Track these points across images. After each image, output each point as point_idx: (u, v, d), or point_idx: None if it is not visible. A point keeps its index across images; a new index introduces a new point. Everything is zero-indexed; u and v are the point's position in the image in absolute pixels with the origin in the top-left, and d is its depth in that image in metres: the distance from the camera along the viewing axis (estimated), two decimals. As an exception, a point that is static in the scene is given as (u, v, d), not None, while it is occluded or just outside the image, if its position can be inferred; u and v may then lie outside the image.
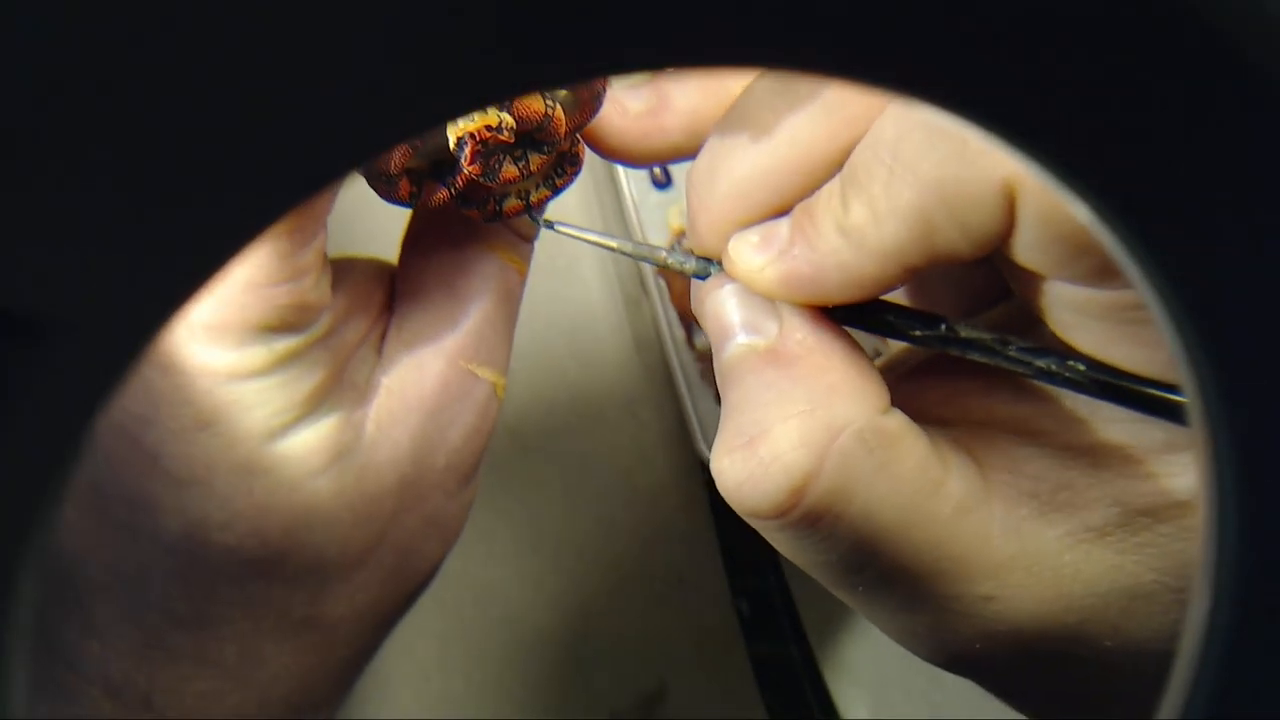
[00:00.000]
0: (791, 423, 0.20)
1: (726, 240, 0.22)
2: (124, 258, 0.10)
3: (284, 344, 0.22)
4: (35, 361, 0.10)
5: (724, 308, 0.22)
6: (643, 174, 0.41)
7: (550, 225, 0.25)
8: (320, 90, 0.10)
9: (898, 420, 0.20)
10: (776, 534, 0.20)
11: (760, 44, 0.10)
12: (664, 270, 0.41)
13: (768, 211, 0.21)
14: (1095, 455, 0.20)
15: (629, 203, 0.41)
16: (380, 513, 0.24)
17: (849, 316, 0.21)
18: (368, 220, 0.31)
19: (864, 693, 0.41)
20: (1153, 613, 0.19)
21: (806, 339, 0.21)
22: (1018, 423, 0.21)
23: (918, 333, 0.21)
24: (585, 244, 0.25)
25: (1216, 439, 0.11)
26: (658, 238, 0.41)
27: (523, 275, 0.26)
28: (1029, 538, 0.20)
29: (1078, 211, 0.11)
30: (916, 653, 0.22)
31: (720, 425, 0.21)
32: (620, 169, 0.41)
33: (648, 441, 0.41)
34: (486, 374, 0.25)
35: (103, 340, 0.10)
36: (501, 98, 0.10)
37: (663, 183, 0.42)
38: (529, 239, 0.27)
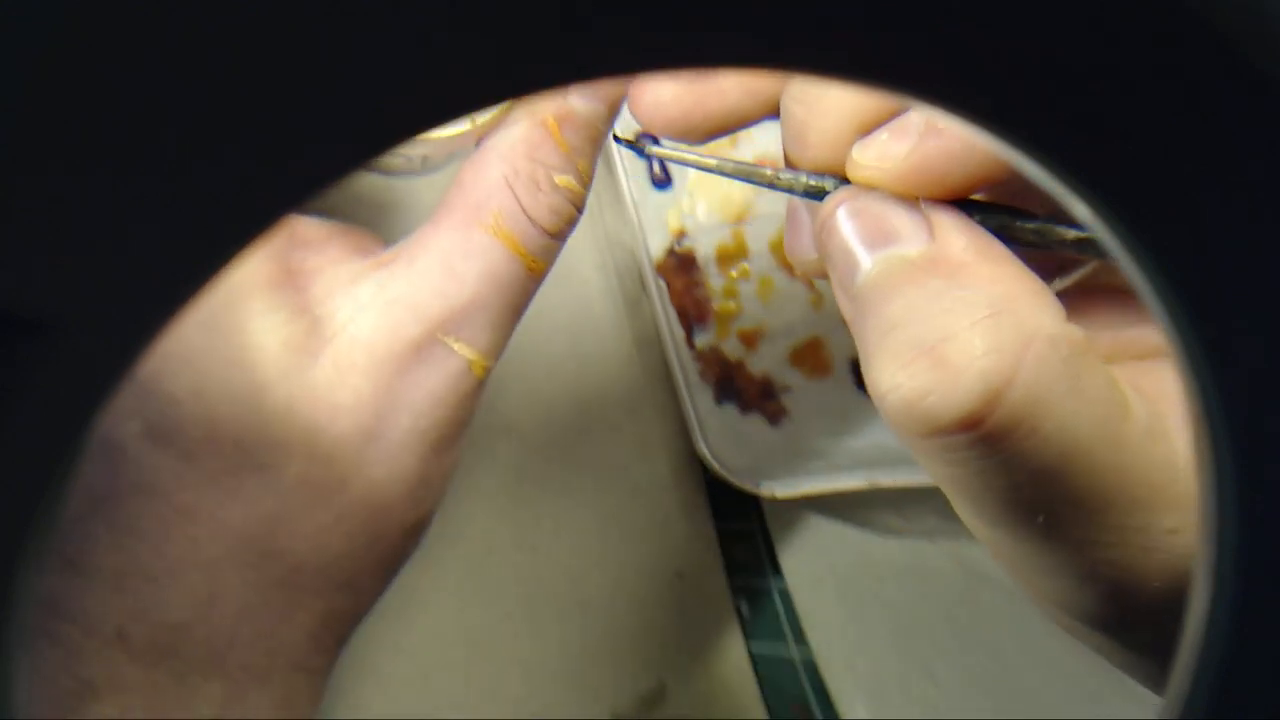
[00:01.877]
0: (979, 327, 0.18)
1: (845, 149, 0.20)
2: (124, 258, 0.10)
3: None
4: (35, 361, 0.10)
5: (857, 220, 0.20)
6: (643, 174, 0.41)
7: (652, 143, 0.25)
8: (320, 91, 0.10)
9: (1083, 334, 0.18)
10: (957, 454, 0.18)
11: (751, 45, 0.10)
12: (664, 269, 0.41)
13: (886, 115, 0.20)
14: None
15: (629, 203, 0.41)
16: (339, 454, 0.24)
17: (988, 218, 0.20)
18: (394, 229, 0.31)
19: (864, 693, 0.41)
20: None
21: (970, 244, 0.19)
22: None
23: (1071, 235, 0.19)
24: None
25: (1216, 438, 0.11)
26: (658, 238, 0.41)
27: (533, 271, 0.26)
28: None
29: (1077, 211, 0.11)
30: (1086, 613, 0.20)
31: (874, 347, 0.19)
32: (620, 169, 0.41)
33: (648, 441, 0.41)
34: (463, 350, 0.25)
35: (103, 340, 0.10)
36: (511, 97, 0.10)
37: (663, 182, 0.42)
38: (556, 236, 0.26)
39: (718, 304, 0.42)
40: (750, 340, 0.42)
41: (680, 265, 0.41)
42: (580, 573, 0.40)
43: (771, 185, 0.22)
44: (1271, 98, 0.10)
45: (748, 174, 0.23)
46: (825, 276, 0.22)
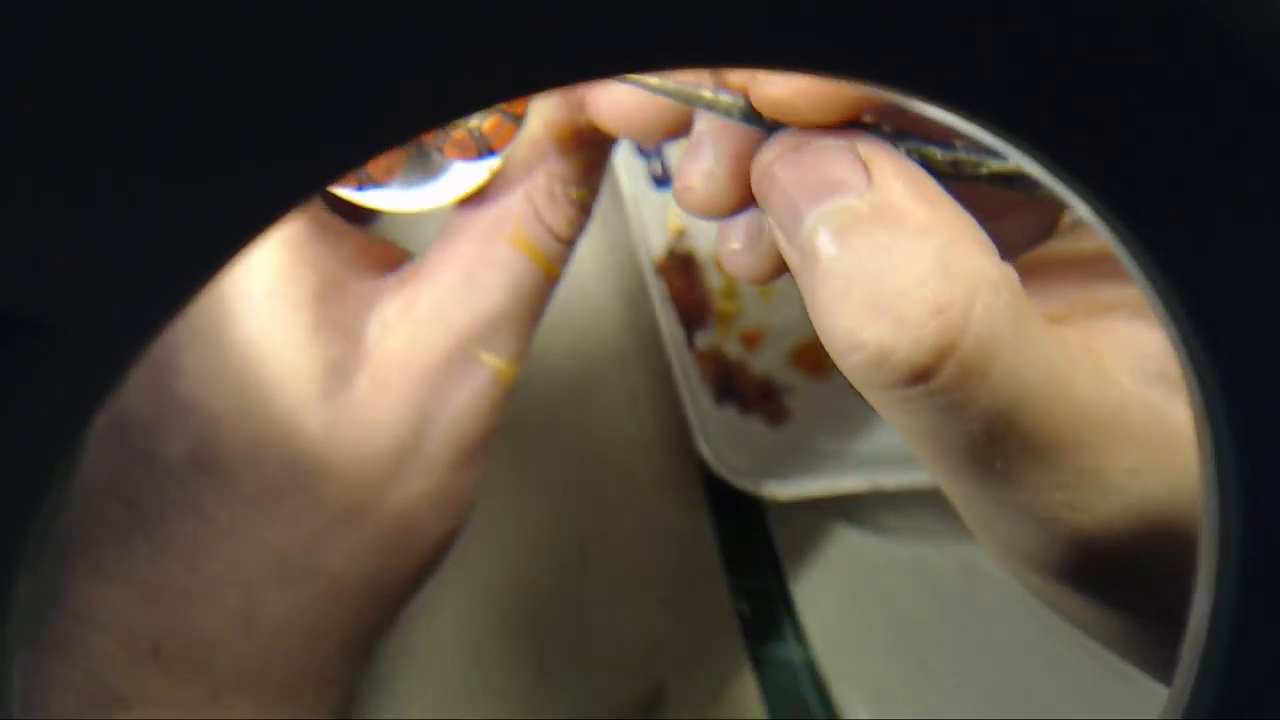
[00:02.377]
0: (929, 279, 0.18)
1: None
2: (124, 258, 0.10)
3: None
4: (35, 361, 0.10)
5: (800, 169, 0.20)
6: (643, 174, 0.41)
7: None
8: (320, 91, 0.10)
9: (1014, 271, 0.19)
10: (914, 404, 0.19)
11: (760, 44, 0.10)
12: (664, 269, 0.41)
13: None
14: None
15: (629, 202, 0.41)
16: (377, 471, 0.24)
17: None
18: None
19: (864, 693, 0.41)
20: None
21: (907, 188, 0.19)
22: (1129, 304, 0.20)
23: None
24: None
25: (1217, 438, 0.11)
26: (658, 238, 0.41)
27: (550, 275, 0.27)
28: (1165, 415, 0.19)
29: (1077, 210, 0.11)
30: (1046, 562, 0.20)
31: (827, 304, 0.19)
32: (621, 169, 0.41)
33: (648, 440, 0.41)
34: (492, 359, 0.26)
35: (103, 340, 0.10)
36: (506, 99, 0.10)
37: (663, 182, 0.42)
38: (566, 240, 0.27)
39: (718, 304, 0.42)
40: (750, 340, 0.42)
41: (680, 265, 0.41)
42: (580, 572, 0.40)
43: (710, 107, 0.22)
44: (1273, 94, 0.10)
45: (688, 96, 0.22)
46: (712, 214, 0.22)
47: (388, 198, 0.26)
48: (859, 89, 0.19)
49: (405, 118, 0.10)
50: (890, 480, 0.39)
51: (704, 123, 0.23)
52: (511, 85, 0.10)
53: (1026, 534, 0.20)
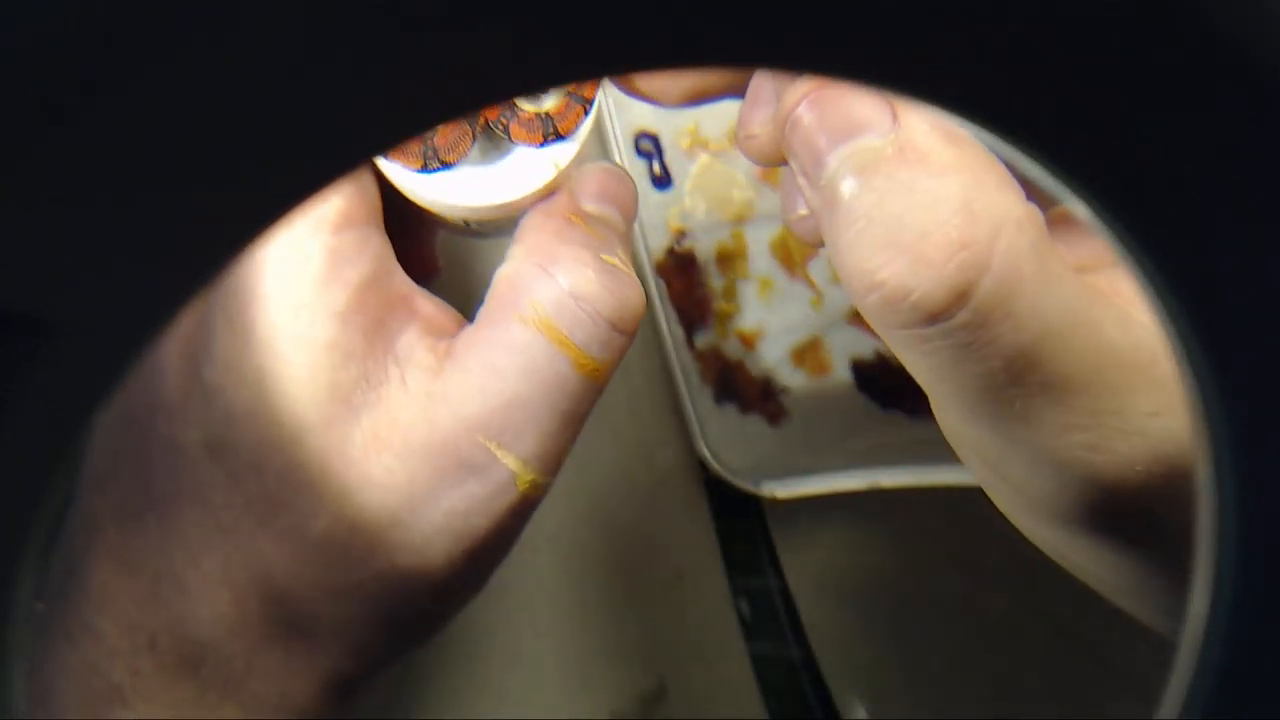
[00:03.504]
0: (953, 220, 0.18)
1: None
2: (124, 258, 0.10)
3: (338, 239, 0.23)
4: (35, 361, 0.10)
5: (824, 109, 0.20)
6: (643, 174, 0.41)
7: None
8: (320, 90, 0.10)
9: (1039, 211, 0.19)
10: (932, 344, 0.19)
11: (762, 44, 0.10)
12: (664, 269, 0.41)
13: None
14: None
15: (629, 203, 0.41)
16: (365, 527, 0.23)
17: None
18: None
19: (864, 693, 0.41)
20: None
21: (932, 129, 0.19)
22: None
23: None
24: None
25: (1217, 438, 0.11)
26: (658, 238, 0.41)
27: (585, 370, 0.24)
28: None
29: (1077, 210, 0.11)
30: (1060, 505, 0.20)
31: (848, 243, 0.19)
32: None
33: (648, 441, 0.41)
34: (506, 458, 0.24)
35: (103, 340, 0.10)
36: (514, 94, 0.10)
37: (663, 182, 0.42)
38: (620, 330, 0.24)
39: (718, 304, 0.42)
40: (750, 340, 0.42)
41: (680, 265, 0.41)
42: (580, 573, 0.40)
43: None
44: (1273, 94, 0.10)
45: None
46: (775, 161, 0.22)
47: (451, 184, 0.25)
48: None
49: (404, 118, 0.10)
50: (889, 479, 0.39)
51: (763, 74, 0.22)
52: (544, 74, 0.10)
53: (1043, 478, 0.20)
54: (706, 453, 0.39)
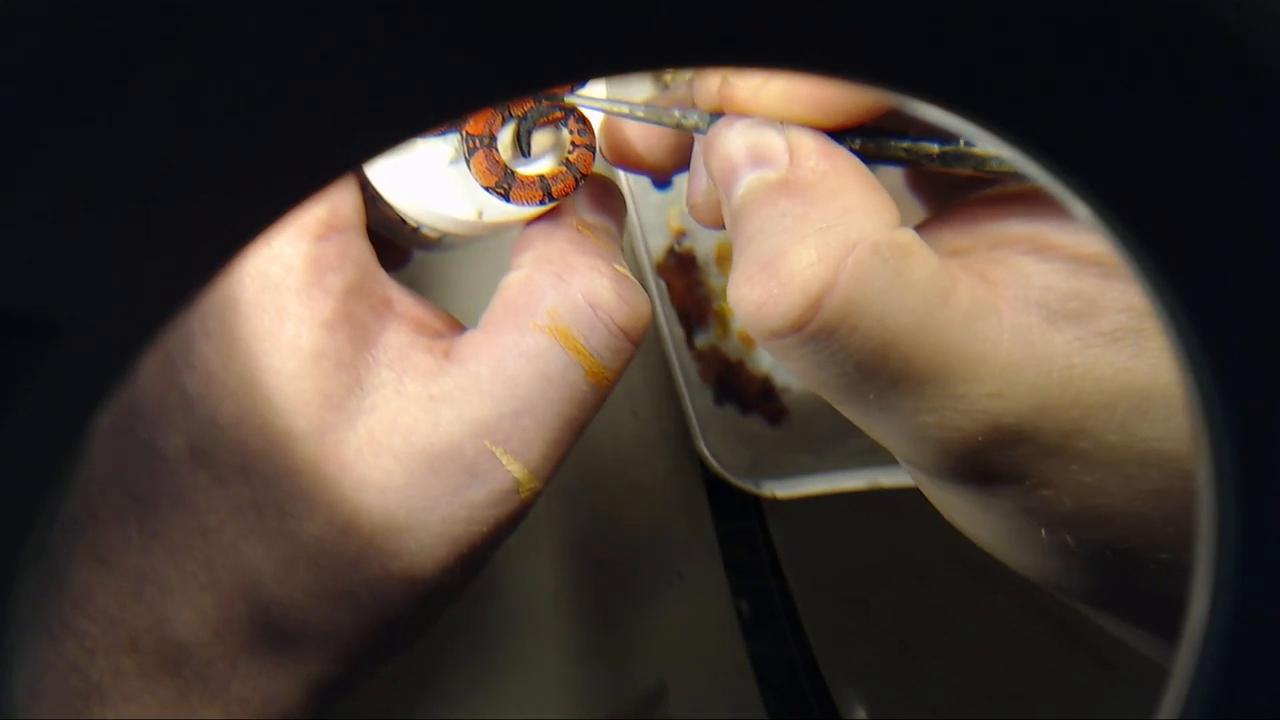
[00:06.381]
0: (808, 241, 0.20)
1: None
2: (124, 258, 0.10)
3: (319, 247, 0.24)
4: (35, 361, 0.10)
5: (732, 145, 0.22)
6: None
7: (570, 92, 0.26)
8: (320, 90, 0.10)
9: (909, 235, 0.21)
10: (794, 351, 0.21)
11: (758, 47, 0.10)
12: (664, 269, 0.41)
13: None
14: (1105, 264, 0.20)
15: (630, 203, 0.41)
16: (359, 531, 0.23)
17: (853, 139, 0.22)
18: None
19: (864, 693, 0.41)
20: (1168, 414, 0.20)
21: (818, 164, 0.21)
22: (1029, 240, 0.22)
23: (907, 147, 0.22)
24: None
25: (1217, 439, 0.11)
26: (658, 238, 0.41)
27: (594, 378, 0.25)
28: (1039, 343, 0.20)
29: (1076, 210, 0.11)
30: (922, 465, 0.22)
31: (735, 261, 0.22)
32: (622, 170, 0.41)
33: (648, 440, 0.41)
34: (511, 465, 0.24)
35: (103, 340, 0.10)
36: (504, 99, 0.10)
37: (663, 182, 0.42)
38: (632, 340, 0.25)
39: (718, 304, 0.42)
40: (750, 340, 0.42)
41: (680, 265, 0.41)
42: (580, 572, 0.40)
43: (678, 127, 0.24)
44: (1275, 94, 0.10)
45: (656, 118, 0.24)
46: (719, 225, 0.24)
47: (444, 197, 0.26)
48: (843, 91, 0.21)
49: (404, 119, 0.10)
50: (889, 479, 0.39)
51: (699, 147, 0.24)
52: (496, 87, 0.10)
53: (905, 445, 0.22)
54: (706, 453, 0.39)
